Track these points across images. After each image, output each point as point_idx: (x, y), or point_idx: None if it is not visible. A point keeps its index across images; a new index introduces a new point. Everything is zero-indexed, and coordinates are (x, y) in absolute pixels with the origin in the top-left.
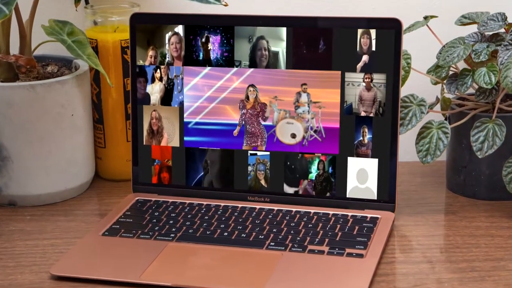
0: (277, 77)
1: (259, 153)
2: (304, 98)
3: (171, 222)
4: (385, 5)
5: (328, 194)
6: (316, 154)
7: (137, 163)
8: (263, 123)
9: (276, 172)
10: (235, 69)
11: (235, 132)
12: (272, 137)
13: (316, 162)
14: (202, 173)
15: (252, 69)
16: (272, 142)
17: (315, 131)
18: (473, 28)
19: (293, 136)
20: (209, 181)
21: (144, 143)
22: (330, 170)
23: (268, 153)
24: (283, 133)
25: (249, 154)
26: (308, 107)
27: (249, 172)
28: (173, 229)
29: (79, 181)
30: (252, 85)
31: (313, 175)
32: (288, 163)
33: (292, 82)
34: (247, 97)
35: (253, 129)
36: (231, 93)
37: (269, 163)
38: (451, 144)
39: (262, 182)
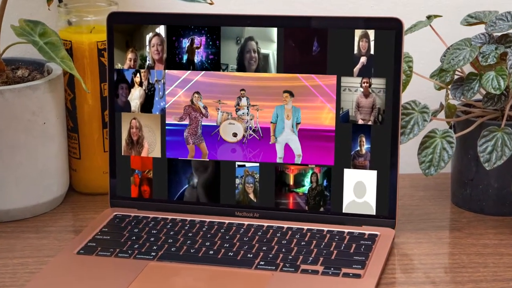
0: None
1: (247, 164)
2: (243, 101)
3: (151, 239)
4: (385, 4)
5: (322, 209)
6: (309, 166)
7: (115, 175)
8: (207, 123)
9: (266, 185)
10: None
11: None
12: (216, 136)
13: (309, 175)
14: (186, 186)
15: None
16: (216, 141)
17: (253, 131)
18: (481, 28)
19: (235, 135)
20: (194, 195)
21: (123, 154)
22: (325, 183)
23: (257, 164)
24: (225, 133)
25: (236, 166)
26: (247, 109)
27: (236, 185)
28: (154, 247)
29: (52, 194)
30: (197, 92)
31: (305, 188)
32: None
33: (278, 89)
34: (192, 102)
35: (194, 130)
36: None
37: (258, 175)
38: (456, 155)
39: (251, 196)
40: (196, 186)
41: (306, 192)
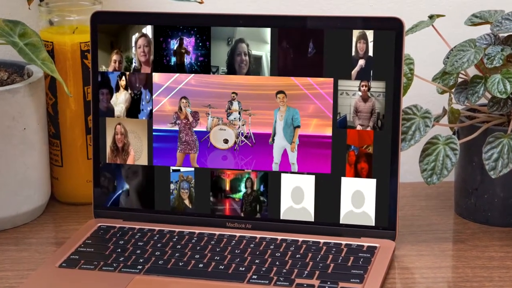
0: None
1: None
2: (235, 105)
3: (138, 252)
4: (385, 3)
5: (318, 220)
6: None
7: (99, 184)
8: (196, 129)
9: (263, 194)
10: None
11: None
12: (206, 142)
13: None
14: (174, 195)
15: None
16: (206, 148)
17: (245, 137)
18: (486, 28)
19: (226, 141)
20: (182, 204)
21: (107, 161)
22: (320, 193)
23: (250, 171)
24: (216, 139)
25: (233, 174)
26: (239, 114)
27: (233, 194)
28: (141, 260)
29: (33, 204)
30: (185, 97)
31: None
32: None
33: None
34: (180, 109)
35: (186, 138)
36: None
37: (251, 183)
38: (460, 162)
39: (246, 206)
40: (183, 195)
41: None
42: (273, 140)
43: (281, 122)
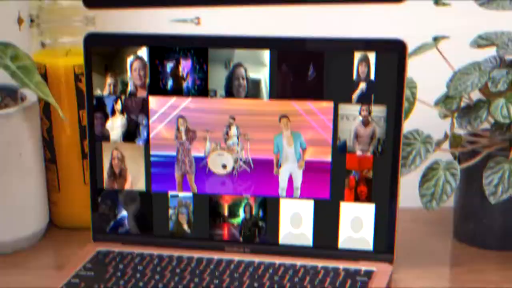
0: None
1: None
2: (233, 131)
3: (137, 276)
4: (387, 24)
5: (316, 245)
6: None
7: (97, 209)
8: (194, 154)
9: (256, 220)
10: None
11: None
12: (204, 168)
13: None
14: (172, 220)
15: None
16: (204, 173)
17: (244, 162)
18: (492, 51)
19: (224, 166)
20: (181, 229)
21: (105, 187)
22: (319, 217)
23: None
24: (214, 164)
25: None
26: (237, 139)
27: (232, 219)
28: (140, 284)
29: (31, 230)
30: (182, 116)
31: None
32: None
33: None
34: (178, 129)
35: (183, 158)
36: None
37: (257, 207)
38: (460, 188)
39: (245, 231)
40: (182, 220)
41: None
42: (279, 166)
43: (291, 149)
